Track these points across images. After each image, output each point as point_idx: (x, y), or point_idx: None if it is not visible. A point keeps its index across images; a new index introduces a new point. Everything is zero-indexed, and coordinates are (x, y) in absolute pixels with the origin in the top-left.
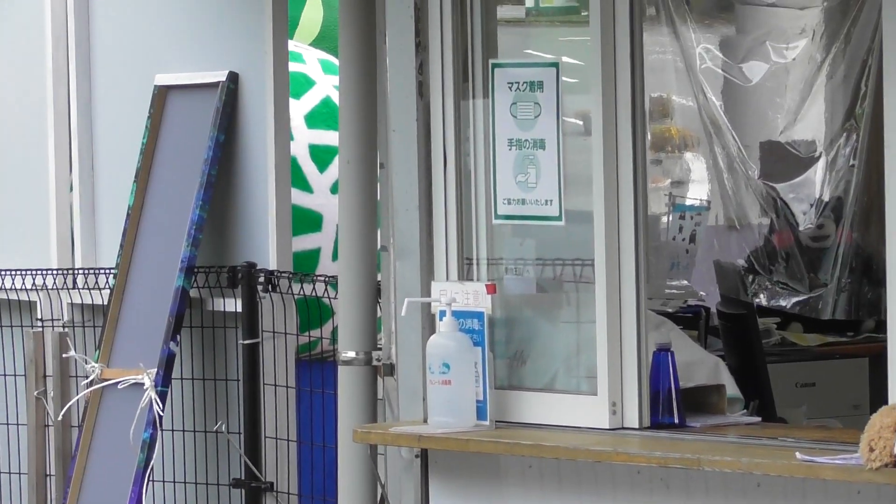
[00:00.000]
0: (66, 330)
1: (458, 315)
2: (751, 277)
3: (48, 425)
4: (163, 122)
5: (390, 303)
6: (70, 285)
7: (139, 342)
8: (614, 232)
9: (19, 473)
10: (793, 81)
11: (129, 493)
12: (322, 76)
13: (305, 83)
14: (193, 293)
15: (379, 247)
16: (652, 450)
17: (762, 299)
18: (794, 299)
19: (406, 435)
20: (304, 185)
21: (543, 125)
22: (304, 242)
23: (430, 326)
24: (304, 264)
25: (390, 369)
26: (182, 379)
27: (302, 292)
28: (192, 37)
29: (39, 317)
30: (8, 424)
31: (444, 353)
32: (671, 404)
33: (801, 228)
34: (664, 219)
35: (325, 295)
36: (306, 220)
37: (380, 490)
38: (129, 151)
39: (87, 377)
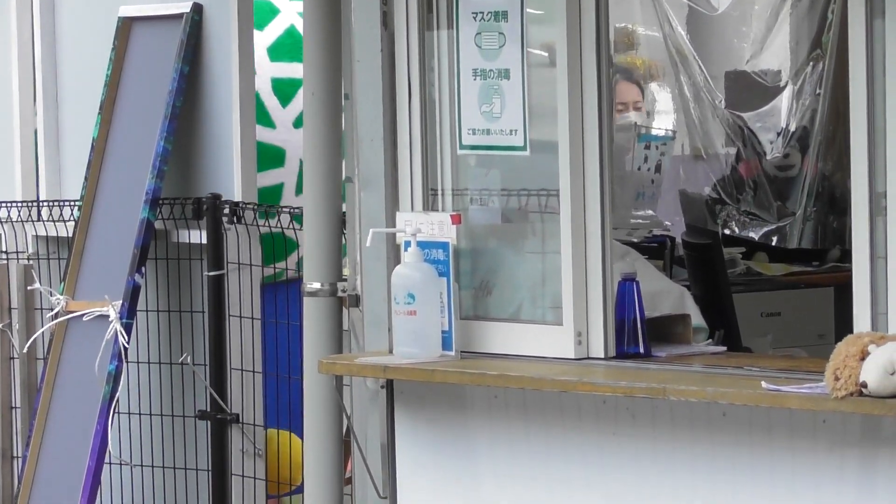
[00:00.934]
0: (31, 262)
1: (423, 245)
2: (718, 207)
3: (13, 358)
4: (127, 53)
5: (355, 234)
6: (34, 217)
7: (104, 274)
8: (579, 162)
9: None
10: (759, 10)
11: (95, 425)
12: (286, 2)
13: (270, 11)
14: (158, 225)
15: (344, 178)
16: (617, 379)
17: (730, 229)
18: (763, 229)
19: (371, 366)
20: (267, 121)
21: (508, 55)
22: (267, 178)
23: (395, 257)
24: (268, 200)
25: (355, 300)
26: (147, 311)
27: (267, 224)
28: None
29: (4, 249)
30: None
31: (409, 284)
32: (636, 334)
33: (768, 157)
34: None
35: (291, 226)
36: (269, 156)
37: (345, 421)
38: (93, 83)
39: (52, 309)
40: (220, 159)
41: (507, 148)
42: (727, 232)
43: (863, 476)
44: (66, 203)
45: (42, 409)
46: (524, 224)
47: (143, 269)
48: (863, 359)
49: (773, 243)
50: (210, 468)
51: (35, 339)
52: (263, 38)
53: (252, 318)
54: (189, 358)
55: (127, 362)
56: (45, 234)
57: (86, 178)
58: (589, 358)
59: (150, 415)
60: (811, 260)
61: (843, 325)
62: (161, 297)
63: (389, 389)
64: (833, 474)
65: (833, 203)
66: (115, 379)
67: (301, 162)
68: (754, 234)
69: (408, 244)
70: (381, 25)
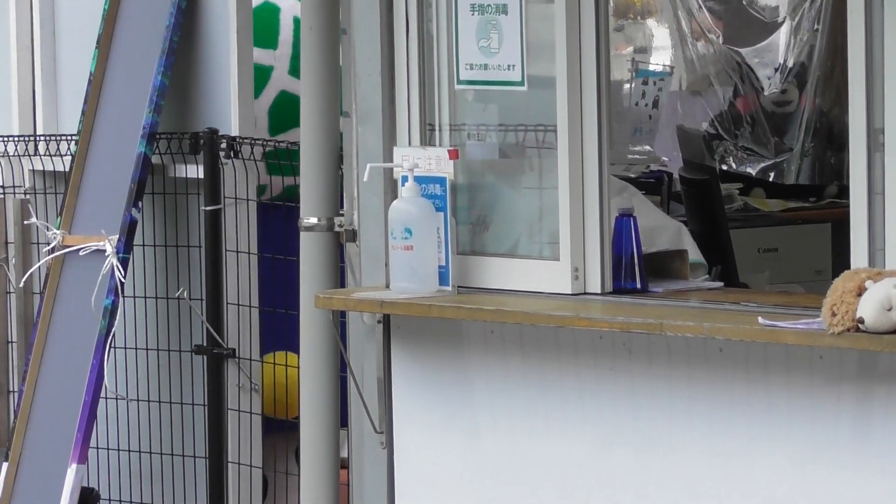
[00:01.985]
0: (28, 197)
1: (420, 180)
2: (716, 143)
3: (10, 292)
4: None
5: (352, 169)
6: (31, 152)
7: (101, 209)
8: (577, 98)
9: None
10: None
11: (91, 360)
12: None
13: None
14: (155, 159)
15: (341, 113)
16: (614, 315)
17: (728, 164)
18: (761, 164)
19: (368, 301)
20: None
21: None
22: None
23: (392, 192)
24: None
25: (352, 235)
26: (144, 245)
27: (264, 158)
28: None
29: (0, 183)
30: None
31: (406, 219)
32: (633, 269)
33: (765, 93)
34: (627, 84)
35: (287, 161)
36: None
37: (342, 356)
38: (90, 18)
39: (48, 244)
40: (218, 93)
41: (504, 83)
42: (724, 168)
43: (859, 411)
44: (63, 137)
45: (38, 344)
46: (521, 159)
47: (139, 203)
48: (860, 294)
49: (771, 179)
50: (206, 403)
51: (31, 274)
52: None
53: (249, 253)
54: (185, 293)
55: (123, 297)
56: (41, 168)
57: (83, 113)
58: (586, 293)
59: (147, 349)
60: (808, 196)
61: (841, 260)
62: (158, 232)
63: (386, 324)
64: (829, 410)
65: (831, 139)
66: (111, 313)
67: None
68: (752, 170)
69: (405, 179)
70: None
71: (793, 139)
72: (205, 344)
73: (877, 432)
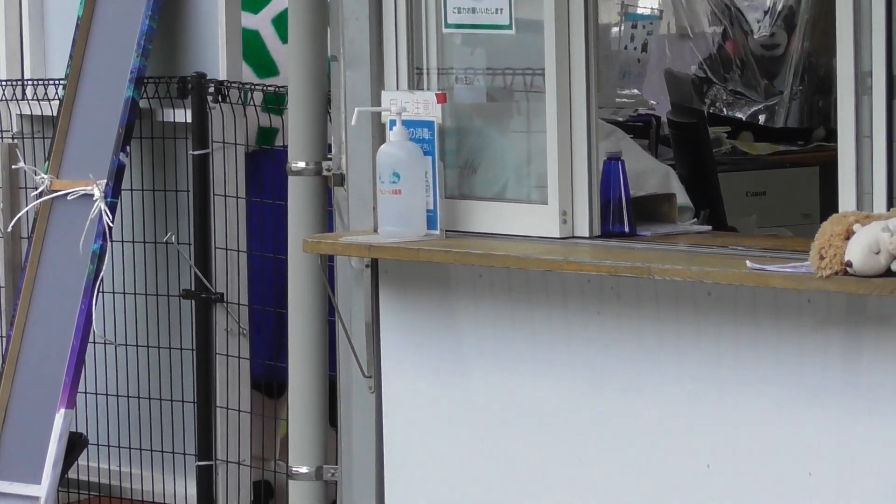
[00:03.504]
0: (16, 141)
1: (408, 124)
2: (705, 86)
3: None
4: None
5: (340, 113)
6: (19, 96)
7: (89, 153)
8: (565, 41)
9: None
10: None
11: (79, 305)
12: None
13: None
14: (143, 104)
15: (329, 56)
16: (602, 259)
17: (717, 108)
18: (751, 108)
19: (356, 245)
20: None
21: None
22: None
23: (380, 136)
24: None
25: (340, 179)
26: (132, 190)
27: (252, 102)
28: None
29: None
30: None
31: (394, 163)
32: (622, 213)
33: (754, 36)
34: (615, 28)
35: (276, 105)
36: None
37: (330, 300)
38: None
39: (36, 188)
40: (205, 37)
41: (492, 27)
42: (713, 111)
43: (847, 355)
44: (51, 82)
45: (26, 289)
46: (509, 103)
47: (127, 148)
48: (848, 238)
49: (762, 122)
50: (194, 347)
51: (19, 218)
52: None
53: (237, 198)
54: (173, 237)
55: (111, 241)
56: (29, 112)
57: (70, 57)
58: (574, 237)
59: (135, 294)
60: (796, 139)
61: (828, 204)
62: (146, 177)
63: (374, 269)
64: (817, 353)
65: (819, 82)
66: (99, 258)
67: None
68: (741, 114)
69: (393, 123)
70: None
71: (783, 82)
72: (193, 288)
73: (864, 376)
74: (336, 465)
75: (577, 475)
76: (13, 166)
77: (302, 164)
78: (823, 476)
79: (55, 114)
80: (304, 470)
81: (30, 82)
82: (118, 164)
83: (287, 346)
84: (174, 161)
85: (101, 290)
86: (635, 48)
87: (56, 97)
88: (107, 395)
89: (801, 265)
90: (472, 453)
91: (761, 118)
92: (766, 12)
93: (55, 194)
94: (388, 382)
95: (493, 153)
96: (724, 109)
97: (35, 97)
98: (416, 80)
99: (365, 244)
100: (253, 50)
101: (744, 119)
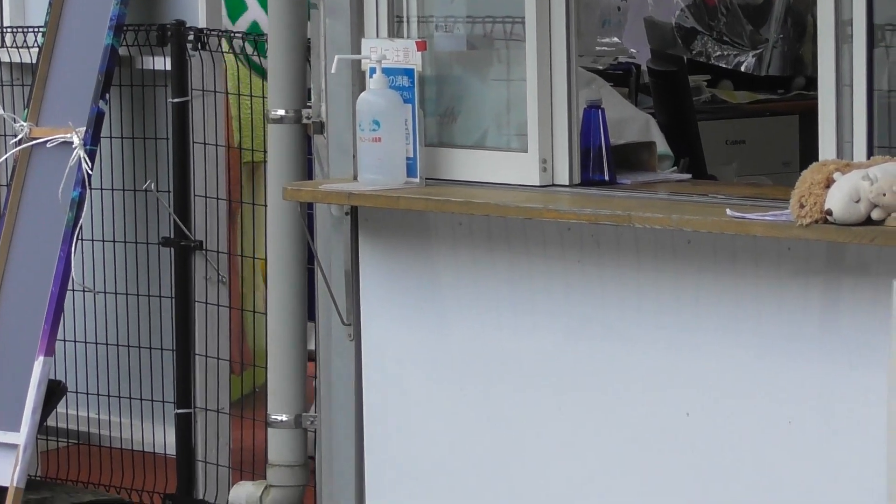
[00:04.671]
0: None
1: (388, 72)
2: (690, 34)
3: None
4: None
5: (320, 60)
6: None
7: (68, 101)
8: None
9: None
10: None
11: (58, 252)
12: None
13: None
14: (122, 51)
15: (309, 4)
16: (582, 207)
17: (703, 56)
18: (736, 56)
19: (336, 192)
20: None
21: None
22: None
23: (360, 84)
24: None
25: (320, 127)
26: (111, 138)
27: (232, 49)
28: None
29: None
30: None
31: (374, 111)
32: (601, 161)
33: None
34: None
35: (255, 53)
36: None
37: (309, 248)
38: None
39: (15, 136)
40: None
41: None
42: (694, 59)
43: (826, 303)
44: (31, 29)
45: (5, 235)
46: (489, 51)
47: (107, 95)
48: (828, 186)
49: (747, 70)
50: (174, 295)
51: None
52: None
53: (216, 146)
54: (153, 185)
55: (90, 189)
56: (8, 60)
57: (50, 4)
58: (554, 185)
59: (114, 241)
60: (776, 88)
61: (808, 152)
62: (125, 124)
63: (354, 216)
64: (797, 301)
65: (799, 30)
66: (78, 205)
67: None
68: (726, 62)
69: (373, 71)
70: None
71: (767, 30)
72: (172, 236)
73: (844, 324)
74: (315, 413)
75: (557, 423)
76: None
77: (282, 112)
78: (803, 424)
79: (34, 61)
80: (283, 418)
81: (9, 30)
82: (97, 111)
83: None
84: (153, 109)
85: (80, 237)
86: None
87: (35, 45)
88: (86, 342)
89: (782, 213)
90: (452, 401)
91: (746, 66)
92: None
93: (34, 142)
94: (367, 330)
95: (473, 101)
96: (709, 57)
97: (14, 45)
98: (396, 28)
99: (345, 192)
100: None
101: (729, 67)
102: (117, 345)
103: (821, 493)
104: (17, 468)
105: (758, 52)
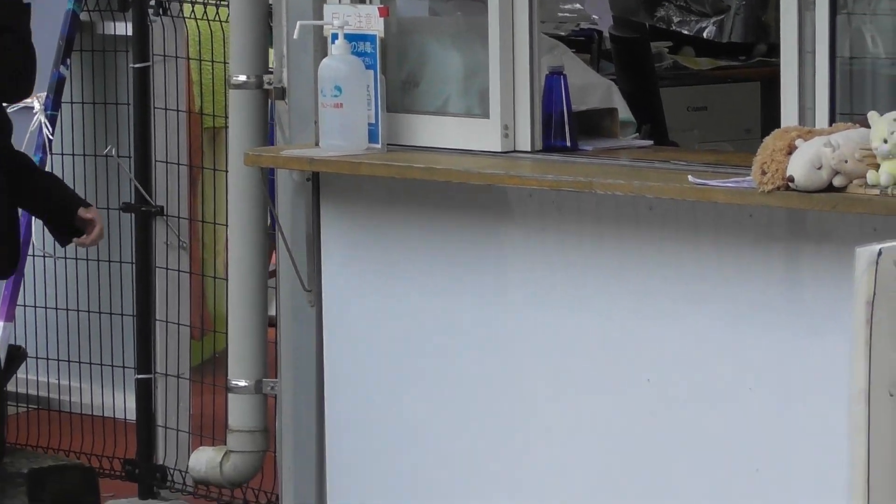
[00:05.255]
0: None
1: (350, 38)
2: (651, 1)
3: None
4: None
5: (282, 26)
6: None
7: None
8: None
9: None
10: None
11: (21, 214)
12: None
13: None
14: (84, 16)
15: None
16: (544, 173)
17: (666, 22)
18: (699, 23)
19: (297, 158)
20: None
21: None
22: None
23: (322, 49)
24: None
25: (282, 93)
26: (72, 103)
27: (193, 15)
28: None
29: None
30: None
31: (336, 76)
32: (563, 127)
33: None
34: None
35: (217, 18)
36: None
37: (271, 214)
38: None
39: None
40: None
41: None
42: (656, 25)
43: (788, 270)
44: None
45: None
46: (452, 17)
47: (68, 61)
48: (790, 153)
49: (713, 37)
50: (134, 261)
51: None
52: None
53: (177, 111)
54: (114, 150)
55: (51, 154)
56: None
57: None
58: (515, 151)
59: None
60: (738, 54)
61: (770, 119)
62: (86, 90)
63: (315, 182)
64: (759, 268)
65: None
66: None
67: None
68: (689, 29)
69: (335, 37)
70: None
71: None
72: (133, 202)
73: (806, 291)
74: (275, 378)
75: (517, 389)
76: None
77: (243, 78)
78: (763, 390)
79: None
80: (243, 383)
81: None
82: (58, 76)
83: None
84: (115, 74)
85: None
86: None
87: None
88: (46, 308)
89: (743, 180)
90: (412, 368)
91: (708, 33)
92: None
93: None
94: (328, 296)
95: (435, 67)
96: (672, 24)
97: None
98: None
99: (306, 157)
100: None
101: (691, 34)
102: (77, 310)
103: (781, 459)
104: None
105: (720, 18)
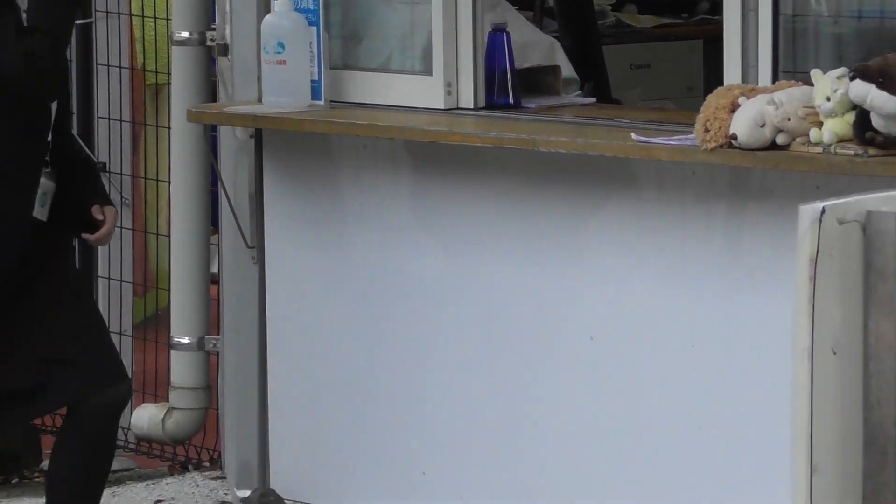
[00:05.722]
0: None
1: None
2: None
3: None
4: None
5: None
6: None
7: None
8: None
9: None
10: None
11: None
12: None
13: None
14: None
15: None
16: (487, 130)
17: None
18: None
19: (240, 115)
20: None
21: None
22: None
23: (264, 6)
24: None
25: (224, 49)
26: None
27: None
28: None
29: None
30: None
31: (278, 33)
32: (506, 85)
33: None
34: None
35: None
36: None
37: (213, 170)
38: None
39: None
40: None
41: None
42: None
43: (730, 227)
44: None
45: None
46: None
47: None
48: (733, 111)
49: None
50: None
51: None
52: None
53: (120, 67)
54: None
55: None
56: None
57: None
58: (459, 108)
59: None
60: (681, 12)
61: (713, 77)
62: None
63: (258, 139)
64: (700, 225)
65: None
66: None
67: None
68: None
69: None
70: None
71: None
72: None
73: (748, 249)
74: (218, 335)
75: (458, 344)
76: None
77: (186, 34)
78: (706, 348)
79: None
80: (185, 340)
81: None
82: None
83: None
84: None
85: None
86: None
87: None
88: None
89: (686, 138)
90: (354, 323)
91: None
92: None
93: None
94: (270, 253)
95: (377, 24)
96: None
97: None
98: None
99: (249, 114)
100: None
101: None
102: None
103: (724, 417)
104: None
105: None
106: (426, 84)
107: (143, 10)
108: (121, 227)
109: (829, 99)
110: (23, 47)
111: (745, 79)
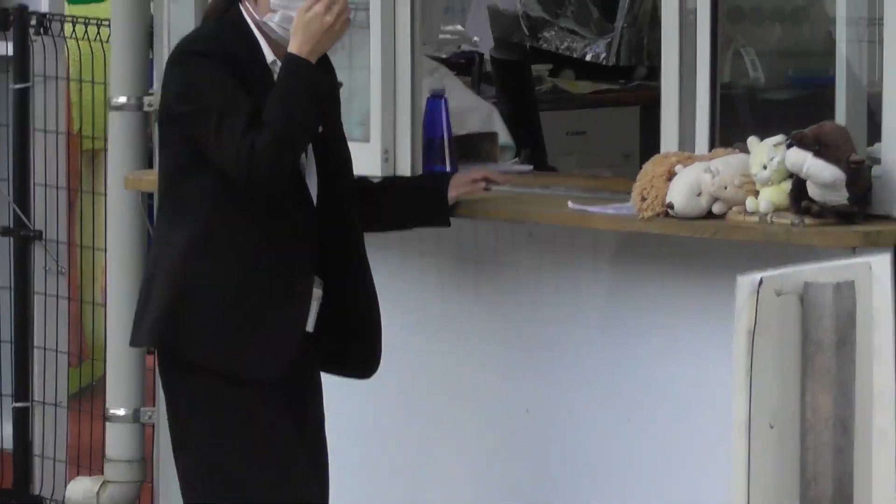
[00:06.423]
0: None
1: None
2: (535, 23)
3: None
4: None
5: (163, 47)
6: None
7: None
8: None
9: None
10: None
11: None
12: None
13: None
14: None
15: None
16: None
17: (551, 45)
18: (583, 46)
19: None
20: None
21: None
22: None
23: None
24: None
25: None
26: None
27: (74, 37)
28: None
29: None
30: None
31: None
32: (444, 152)
33: None
34: None
35: (98, 38)
36: None
37: (149, 237)
38: None
39: None
40: None
41: None
42: (539, 46)
43: (670, 296)
44: None
45: None
46: None
47: None
48: (669, 179)
49: (598, 60)
50: (12, 286)
51: None
52: None
53: (56, 133)
54: None
55: None
56: None
57: None
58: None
59: None
60: (617, 78)
61: (649, 144)
62: None
63: None
64: (638, 294)
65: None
66: None
67: None
68: (573, 52)
69: None
70: None
71: (615, 18)
72: (11, 226)
73: (688, 317)
74: (154, 407)
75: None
76: None
77: (123, 99)
78: (643, 420)
79: None
80: (121, 412)
81: None
82: None
83: None
84: None
85: None
86: None
87: None
88: None
89: (623, 206)
90: None
91: (593, 55)
92: None
93: None
94: None
95: None
96: (557, 47)
97: None
98: None
99: None
100: None
101: (575, 56)
102: None
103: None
104: None
105: (606, 40)
106: (364, 151)
107: (80, 74)
108: (57, 296)
109: (765, 167)
110: (247, 142)
111: (682, 146)
